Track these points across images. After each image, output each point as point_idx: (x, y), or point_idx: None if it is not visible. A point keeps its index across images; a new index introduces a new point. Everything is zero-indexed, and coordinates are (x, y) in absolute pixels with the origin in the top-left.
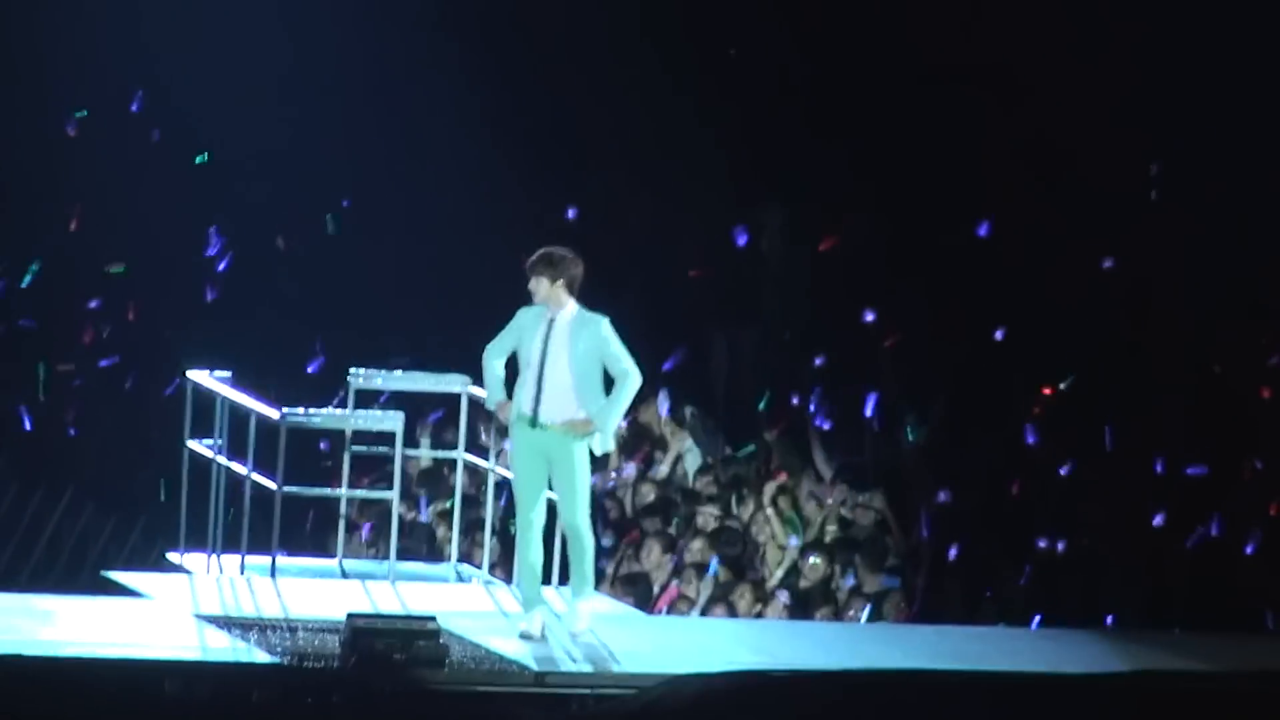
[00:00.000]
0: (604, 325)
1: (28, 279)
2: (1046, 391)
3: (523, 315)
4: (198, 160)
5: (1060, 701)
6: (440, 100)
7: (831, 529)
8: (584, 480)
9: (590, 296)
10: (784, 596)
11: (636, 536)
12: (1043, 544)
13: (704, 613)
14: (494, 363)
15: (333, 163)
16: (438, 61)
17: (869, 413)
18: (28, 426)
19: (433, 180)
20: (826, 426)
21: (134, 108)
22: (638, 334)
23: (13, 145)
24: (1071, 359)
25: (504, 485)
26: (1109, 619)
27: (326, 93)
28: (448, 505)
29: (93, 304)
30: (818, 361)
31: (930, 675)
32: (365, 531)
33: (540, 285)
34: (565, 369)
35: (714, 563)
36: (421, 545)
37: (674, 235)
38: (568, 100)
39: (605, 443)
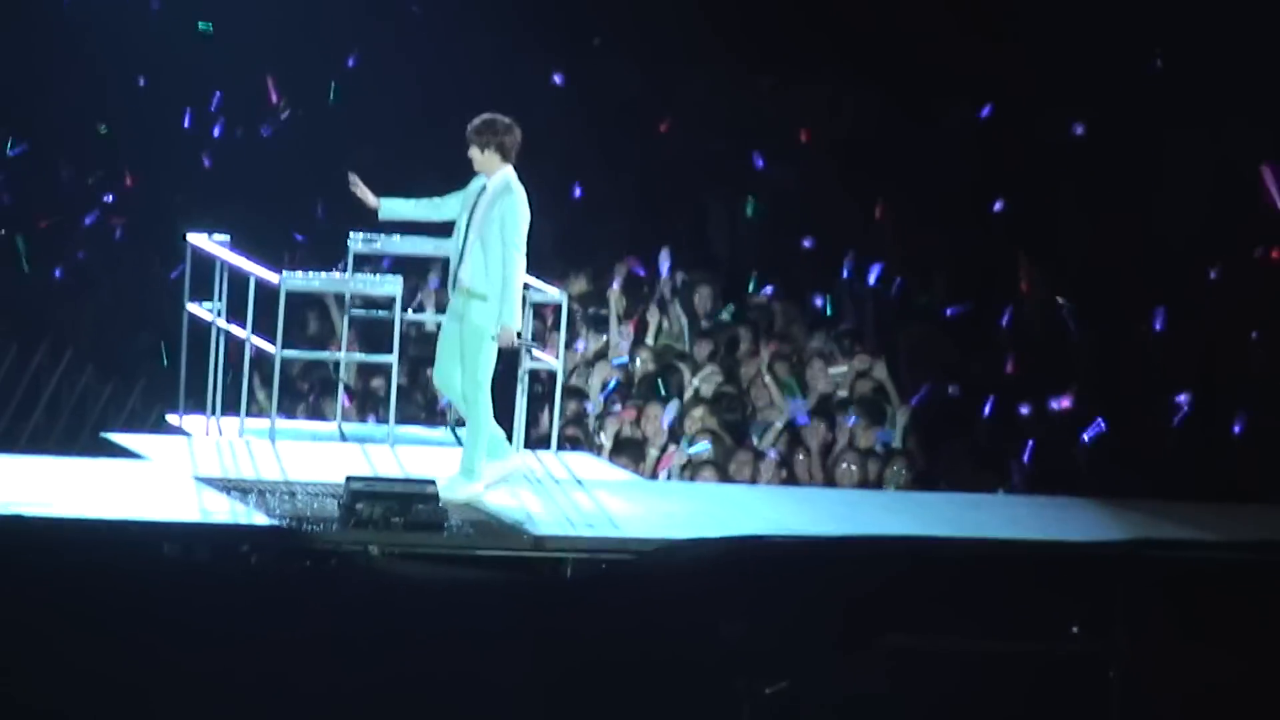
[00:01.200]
0: (510, 199)
1: (13, 150)
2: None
3: (472, 183)
4: (201, 27)
5: (1060, 569)
6: None
7: (829, 392)
8: (475, 351)
9: (587, 160)
10: (772, 454)
11: (633, 413)
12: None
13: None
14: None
15: (335, 26)
16: None
17: (871, 282)
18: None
19: (433, 45)
20: (819, 301)
21: None
22: (637, 192)
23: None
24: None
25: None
26: None
27: None
28: None
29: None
30: (807, 244)
31: (927, 541)
32: (344, 399)
33: (473, 153)
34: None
35: (698, 444)
36: (420, 410)
37: (679, 100)
38: None
39: (501, 319)
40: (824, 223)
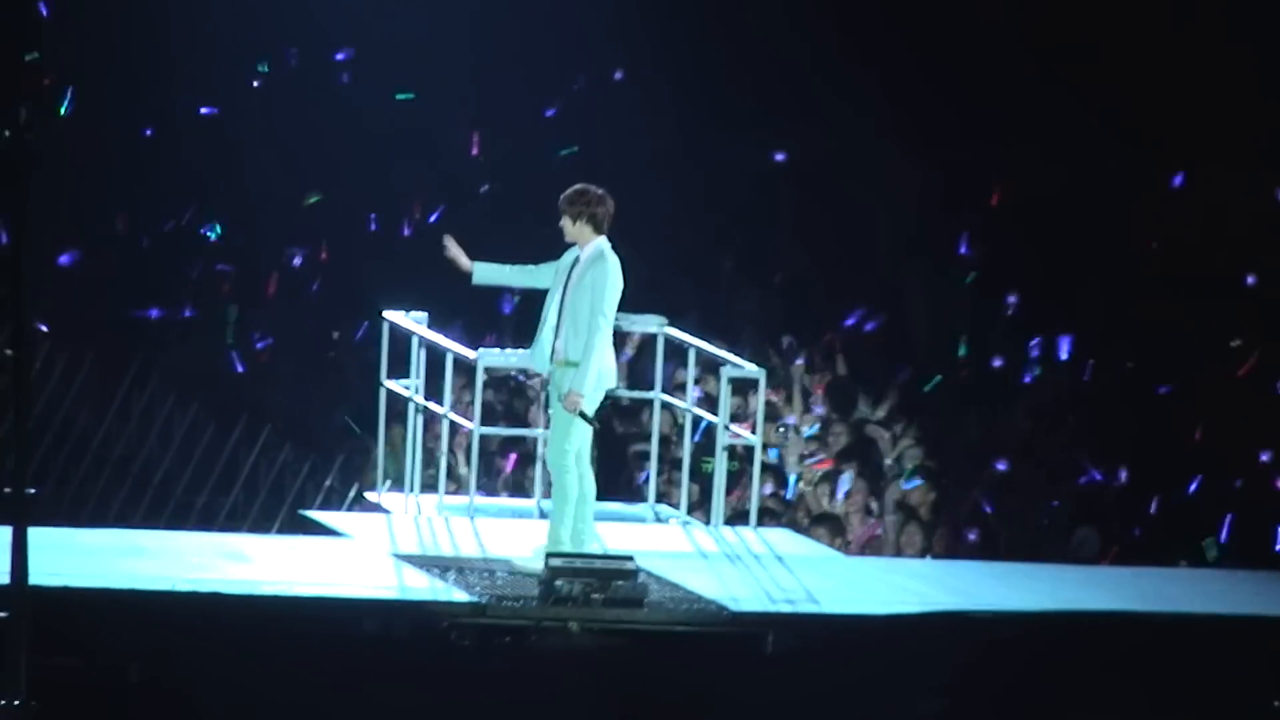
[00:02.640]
0: (602, 267)
1: (214, 235)
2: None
3: (565, 255)
4: (399, 97)
5: (1261, 642)
6: (641, 45)
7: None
8: (561, 420)
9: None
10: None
11: (829, 462)
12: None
13: (898, 552)
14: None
15: (533, 104)
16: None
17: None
18: (239, 369)
19: (632, 125)
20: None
21: (339, 57)
22: (839, 264)
23: (207, 94)
24: None
25: (700, 425)
26: None
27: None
28: (645, 446)
29: (290, 248)
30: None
31: (1126, 616)
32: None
33: (565, 224)
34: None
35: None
36: (618, 486)
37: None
38: (770, 41)
39: (572, 384)
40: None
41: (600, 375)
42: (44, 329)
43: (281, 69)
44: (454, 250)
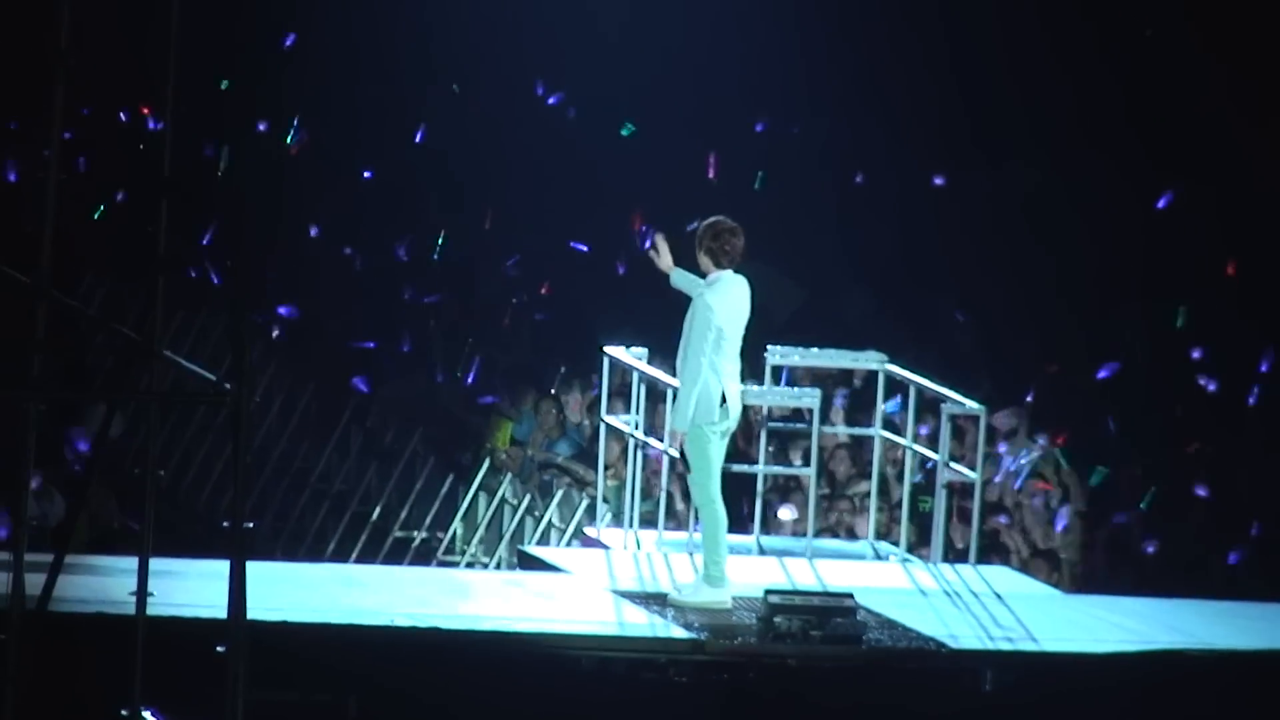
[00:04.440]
0: (700, 302)
1: (436, 253)
2: None
3: None
4: (624, 133)
5: None
6: (853, 78)
7: None
8: (695, 460)
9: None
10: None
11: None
12: None
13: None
14: None
15: (745, 133)
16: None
17: None
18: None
19: (852, 157)
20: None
21: (547, 95)
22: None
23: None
24: None
25: (921, 462)
26: None
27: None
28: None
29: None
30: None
31: None
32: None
33: (698, 255)
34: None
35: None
36: (837, 524)
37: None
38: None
39: (672, 424)
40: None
41: (706, 410)
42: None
43: (507, 101)
44: (661, 248)
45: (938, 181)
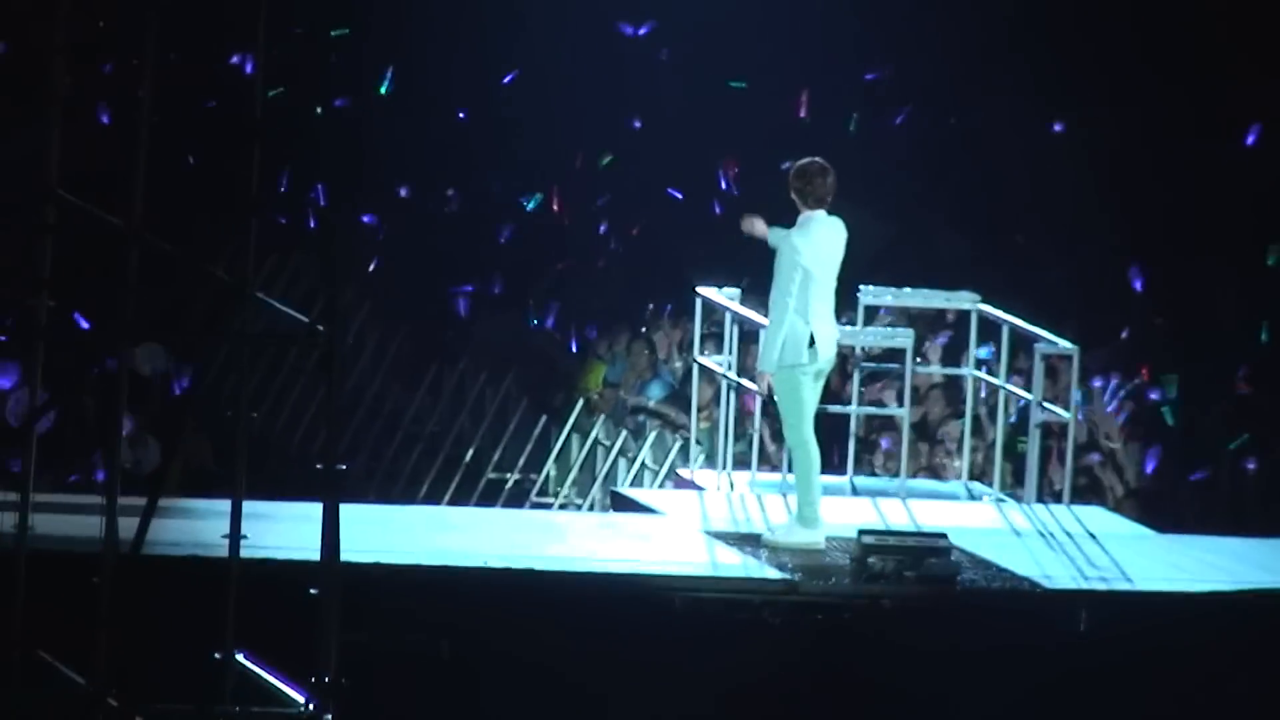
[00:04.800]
0: (781, 246)
1: (532, 204)
2: None
3: None
4: (733, 85)
5: None
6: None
7: None
8: (786, 402)
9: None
10: None
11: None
12: None
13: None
14: None
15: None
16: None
17: None
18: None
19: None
20: None
21: (643, 31)
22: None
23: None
24: None
25: (1014, 402)
26: None
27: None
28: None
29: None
30: None
31: None
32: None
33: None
34: None
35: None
36: (929, 464)
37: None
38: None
39: (759, 365)
40: None
41: (794, 351)
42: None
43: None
44: (750, 222)
45: (1057, 128)
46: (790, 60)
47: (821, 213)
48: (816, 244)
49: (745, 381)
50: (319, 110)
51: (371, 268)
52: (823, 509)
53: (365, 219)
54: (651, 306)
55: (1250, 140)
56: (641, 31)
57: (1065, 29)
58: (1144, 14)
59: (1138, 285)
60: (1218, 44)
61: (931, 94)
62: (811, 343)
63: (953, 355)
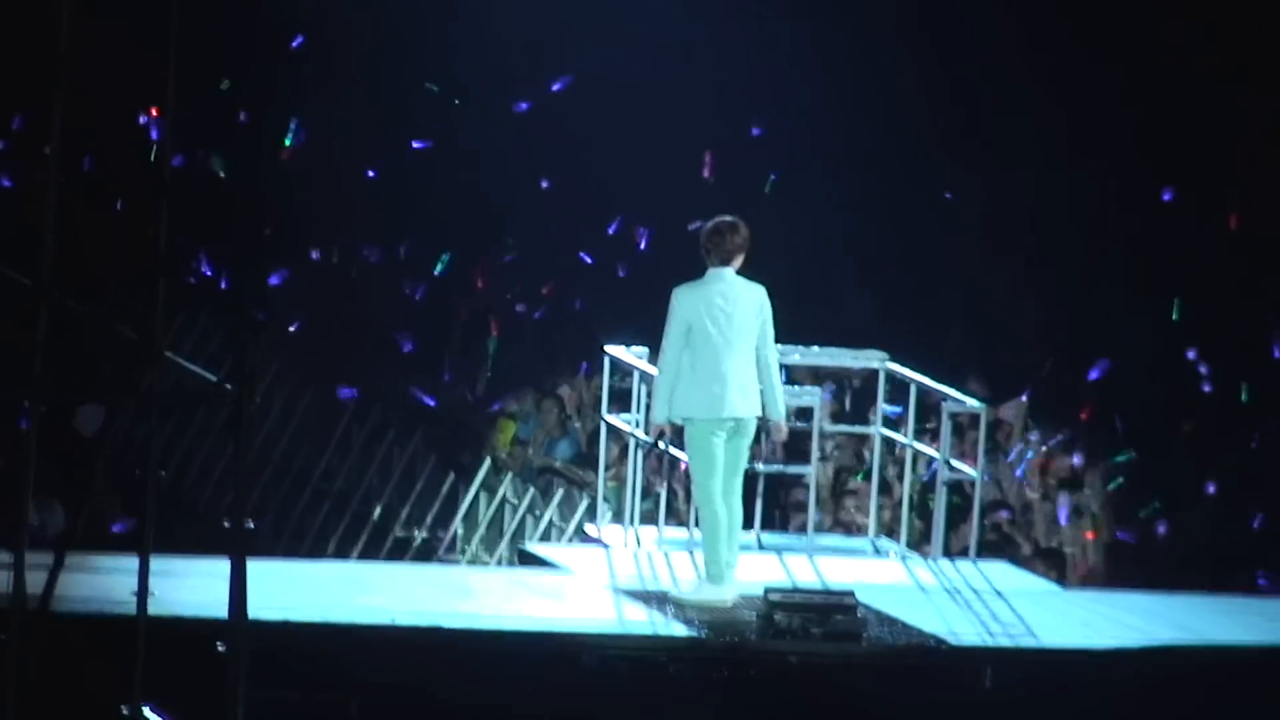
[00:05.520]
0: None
1: (440, 268)
2: None
3: None
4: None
5: None
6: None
7: None
8: (689, 456)
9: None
10: None
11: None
12: None
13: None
14: None
15: (748, 142)
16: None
17: None
18: (470, 397)
19: (841, 162)
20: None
21: (556, 88)
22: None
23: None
24: None
25: (921, 459)
26: None
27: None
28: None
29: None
30: None
31: None
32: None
33: None
34: None
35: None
36: (838, 521)
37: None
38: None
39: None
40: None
41: (685, 404)
42: (262, 318)
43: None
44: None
45: (948, 196)
46: (697, 119)
47: (722, 270)
48: (696, 298)
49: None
50: (224, 169)
51: (293, 329)
52: (739, 568)
53: (273, 280)
54: (567, 369)
55: (1166, 198)
56: (557, 87)
57: (968, 91)
58: (1057, 74)
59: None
60: (1126, 106)
61: (838, 154)
62: (708, 400)
63: (860, 413)
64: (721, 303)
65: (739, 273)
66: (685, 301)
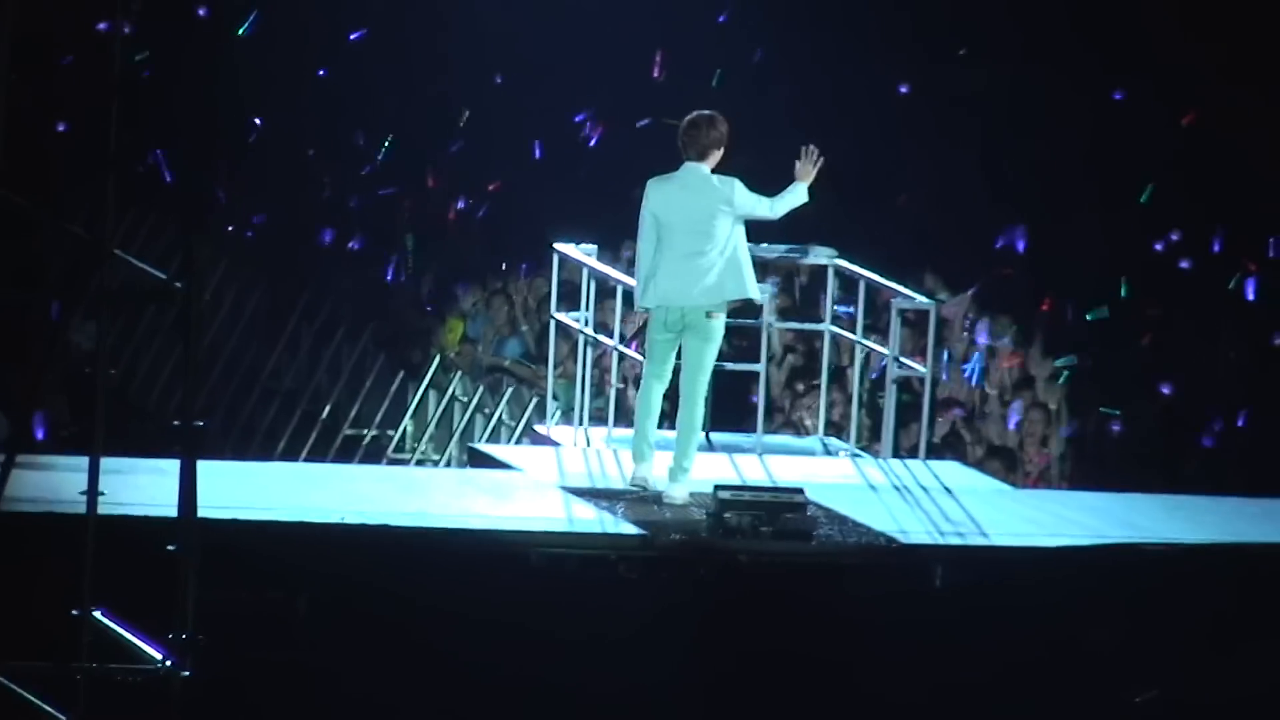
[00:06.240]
0: None
1: (382, 153)
2: None
3: None
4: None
5: None
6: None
7: None
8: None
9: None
10: None
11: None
12: None
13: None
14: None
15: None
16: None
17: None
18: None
19: (793, 56)
20: None
21: None
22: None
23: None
24: None
25: (872, 358)
26: None
27: None
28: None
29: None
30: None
31: None
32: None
33: None
34: None
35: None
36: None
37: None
38: None
39: None
40: None
41: (640, 293)
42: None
43: None
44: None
45: (903, 89)
46: (648, 16)
47: (695, 164)
48: (662, 191)
49: (601, 337)
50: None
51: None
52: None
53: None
54: (505, 265)
55: (1117, 96)
56: None
57: None
58: None
59: (1001, 242)
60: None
61: (790, 52)
62: (653, 290)
63: (811, 310)
64: (681, 195)
65: (716, 170)
66: (650, 193)
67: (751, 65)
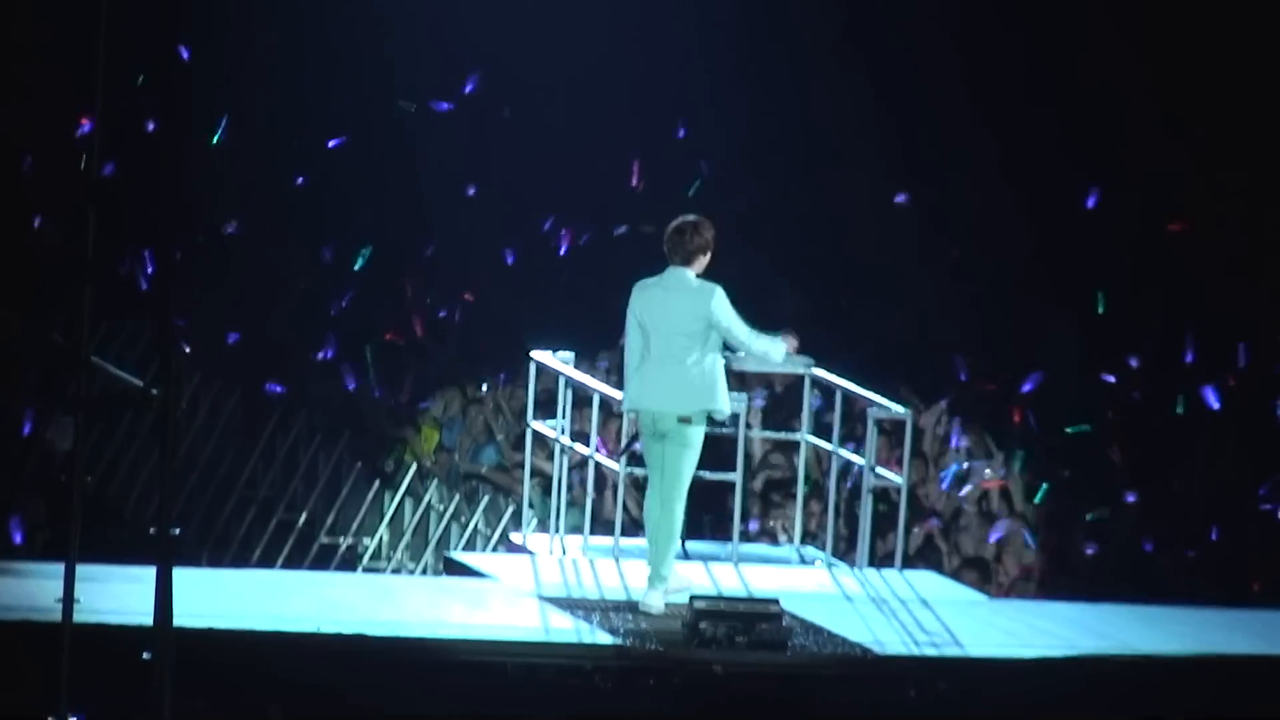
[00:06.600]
0: None
1: (359, 263)
2: None
3: None
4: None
5: None
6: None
7: None
8: None
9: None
10: None
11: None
12: None
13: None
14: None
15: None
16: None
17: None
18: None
19: (762, 168)
20: None
21: (468, 89)
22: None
23: (362, 129)
24: None
25: (849, 468)
26: None
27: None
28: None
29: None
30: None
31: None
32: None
33: None
34: None
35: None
36: (763, 529)
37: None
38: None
39: None
40: None
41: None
42: (186, 349)
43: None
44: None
45: (899, 199)
46: (625, 124)
47: (679, 269)
48: (642, 296)
49: (578, 446)
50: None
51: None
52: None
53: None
54: (485, 385)
55: (1090, 204)
56: (468, 89)
57: (904, 99)
58: (982, 85)
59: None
60: (1054, 115)
61: (771, 158)
62: (628, 393)
63: (787, 420)
64: (663, 299)
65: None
66: (634, 297)
67: (722, 174)
